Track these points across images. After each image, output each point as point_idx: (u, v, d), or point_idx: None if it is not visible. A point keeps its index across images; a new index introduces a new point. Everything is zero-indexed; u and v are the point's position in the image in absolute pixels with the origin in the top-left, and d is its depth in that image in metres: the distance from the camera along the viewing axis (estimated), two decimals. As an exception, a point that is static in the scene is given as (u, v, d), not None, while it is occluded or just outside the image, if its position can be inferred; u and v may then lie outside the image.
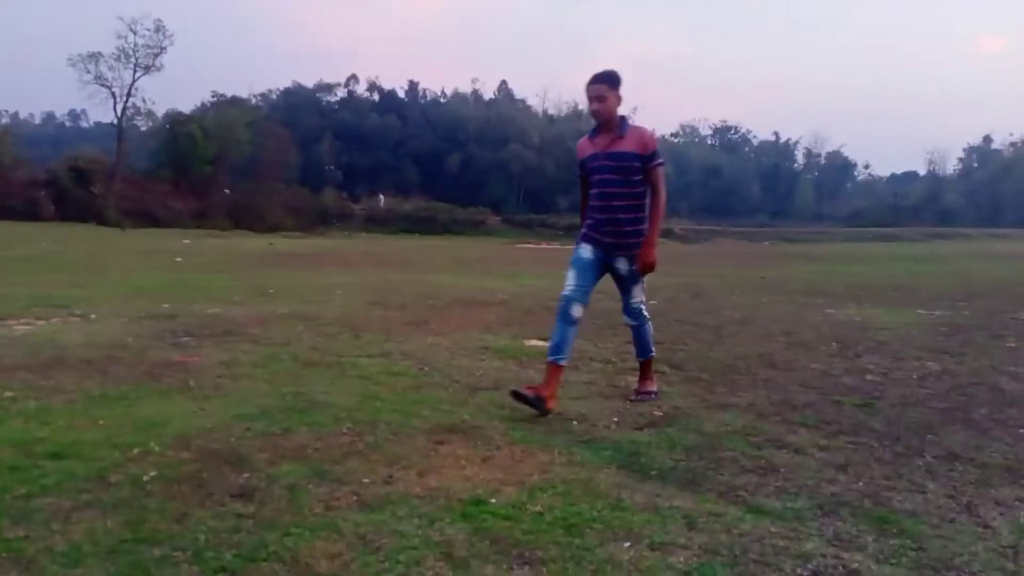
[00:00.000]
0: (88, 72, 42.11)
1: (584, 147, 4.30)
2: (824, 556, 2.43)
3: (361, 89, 70.22)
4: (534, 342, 6.28)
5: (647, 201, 4.20)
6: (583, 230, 4.33)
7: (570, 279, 4.22)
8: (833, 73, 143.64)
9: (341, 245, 26.17)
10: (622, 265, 4.25)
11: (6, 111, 53.05)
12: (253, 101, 57.54)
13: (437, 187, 56.28)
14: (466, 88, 71.30)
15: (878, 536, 2.60)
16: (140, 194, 38.72)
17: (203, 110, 47.37)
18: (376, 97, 69.67)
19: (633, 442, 3.56)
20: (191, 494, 2.78)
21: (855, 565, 2.38)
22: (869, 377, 5.24)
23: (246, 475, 2.98)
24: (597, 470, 3.17)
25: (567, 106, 63.66)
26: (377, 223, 43.16)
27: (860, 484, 3.10)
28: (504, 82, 73.60)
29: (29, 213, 32.46)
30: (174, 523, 2.53)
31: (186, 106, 48.40)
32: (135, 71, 42.63)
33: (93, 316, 7.13)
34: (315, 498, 2.77)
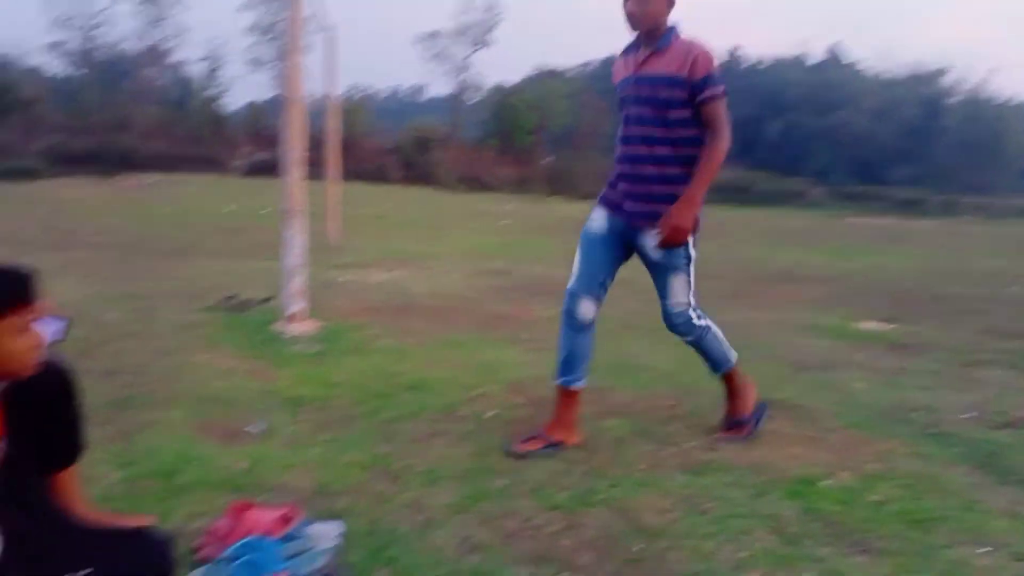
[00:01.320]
0: (430, 49, 46.38)
1: (617, 68, 2.99)
2: None
3: (681, 57, 69.28)
4: (868, 324, 5.81)
5: (695, 151, 2.79)
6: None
7: (576, 265, 2.98)
8: None
9: (653, 214, 26.25)
10: (650, 244, 2.88)
11: (362, 87, 59.97)
12: (571, 73, 59.33)
13: (754, 155, 54.03)
14: (790, 52, 67.21)
15: None
16: (470, 161, 41.92)
17: (526, 82, 49.88)
18: (695, 64, 68.32)
19: (989, 442, 3.16)
20: (526, 435, 2.99)
21: None
22: None
23: (575, 424, 3.13)
24: (945, 466, 2.87)
25: (906, 69, 57.38)
26: (689, 192, 42.57)
27: None
28: (834, 45, 68.24)
29: (378, 177, 36.54)
30: (513, 460, 2.74)
31: (511, 79, 51.29)
32: (469, 47, 46.05)
33: (435, 269, 7.91)
34: (640, 454, 2.84)
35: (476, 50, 46.01)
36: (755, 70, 68.73)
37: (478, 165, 41.78)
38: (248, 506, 2.12)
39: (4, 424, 1.68)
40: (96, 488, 2.21)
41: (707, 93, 2.71)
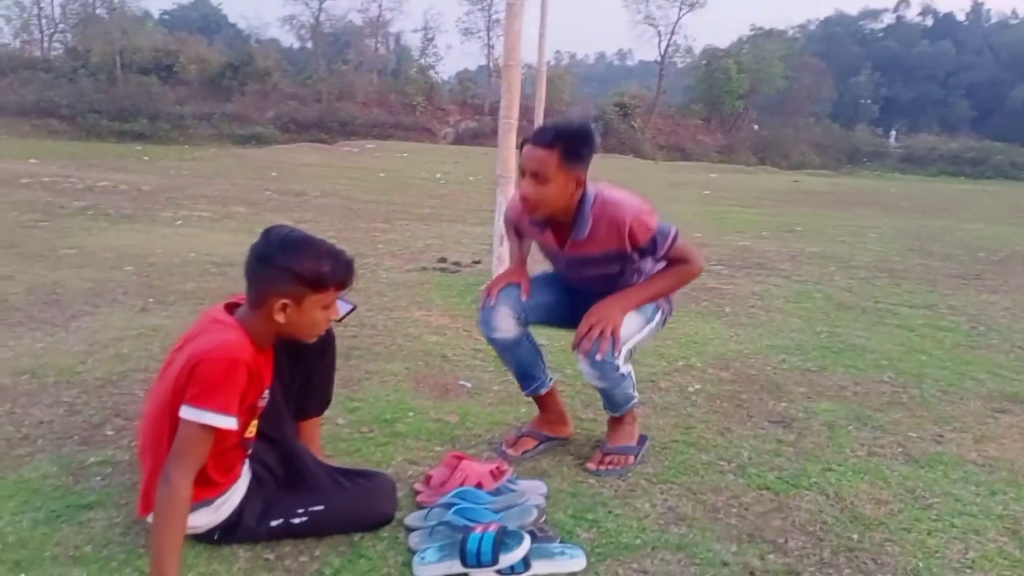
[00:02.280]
0: (639, 12, 45.48)
1: (521, 220, 2.47)
2: None
3: (912, 14, 63.61)
4: None
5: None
6: None
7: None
8: None
9: (871, 185, 24.43)
10: None
11: (567, 53, 60.09)
12: (790, 33, 56.06)
13: (992, 124, 48.80)
14: (1048, 4, 59.59)
15: None
16: (673, 128, 41.03)
17: (739, 45, 47.75)
18: (929, 22, 62.45)
19: None
20: (732, 412, 2.93)
21: None
22: None
23: (784, 404, 3.03)
24: None
25: None
26: (914, 163, 39.15)
27: None
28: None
29: (580, 144, 36.71)
30: (718, 435, 2.69)
31: (723, 41, 49.32)
32: (680, 8, 44.67)
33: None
34: (856, 441, 2.69)
35: (686, 12, 44.52)
36: (1003, 27, 61.66)
37: (681, 132, 40.82)
38: (462, 458, 2.24)
39: (272, 375, 1.89)
40: (326, 430, 2.42)
41: (662, 251, 2.26)
